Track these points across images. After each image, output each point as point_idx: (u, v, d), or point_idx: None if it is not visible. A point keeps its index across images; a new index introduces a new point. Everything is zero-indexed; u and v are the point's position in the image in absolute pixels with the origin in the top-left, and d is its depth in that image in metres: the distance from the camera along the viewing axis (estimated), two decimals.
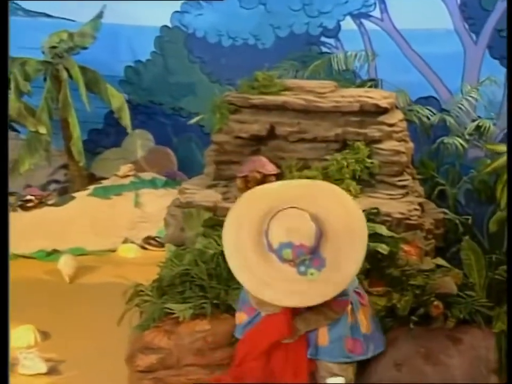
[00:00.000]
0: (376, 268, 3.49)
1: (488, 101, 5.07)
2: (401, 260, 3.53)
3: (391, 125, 4.11)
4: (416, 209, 3.89)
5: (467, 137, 4.85)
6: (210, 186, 4.20)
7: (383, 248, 3.49)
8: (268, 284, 2.70)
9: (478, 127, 4.83)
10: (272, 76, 4.26)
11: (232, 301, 3.40)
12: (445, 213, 4.30)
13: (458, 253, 3.70)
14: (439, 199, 4.61)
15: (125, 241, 5.54)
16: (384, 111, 4.12)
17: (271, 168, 4.02)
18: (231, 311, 3.36)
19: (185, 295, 3.47)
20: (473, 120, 4.97)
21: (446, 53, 5.42)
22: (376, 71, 5.51)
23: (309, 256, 2.73)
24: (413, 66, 5.51)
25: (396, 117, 4.23)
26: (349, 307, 2.99)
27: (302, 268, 2.73)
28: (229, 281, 3.46)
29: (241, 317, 3.06)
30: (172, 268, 3.65)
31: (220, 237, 3.46)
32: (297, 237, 2.70)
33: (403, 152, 4.07)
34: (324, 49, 5.68)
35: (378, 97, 4.16)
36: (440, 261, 3.58)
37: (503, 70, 5.09)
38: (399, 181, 4.04)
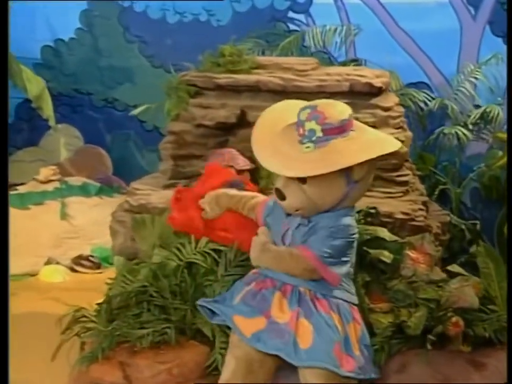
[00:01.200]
0: (377, 280, 3.42)
1: (495, 83, 5.02)
2: (408, 269, 3.47)
3: (386, 109, 4.06)
4: (421, 209, 3.85)
5: (470, 126, 4.78)
6: (167, 186, 4.08)
7: (386, 256, 3.43)
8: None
9: (484, 114, 4.76)
10: (242, 50, 4.20)
11: (201, 324, 3.30)
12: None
13: (465, 265, 3.69)
14: (440, 200, 4.55)
15: (49, 262, 5.30)
16: (378, 92, 4.07)
17: (243, 163, 3.93)
18: (200, 336, 3.28)
19: (142, 319, 3.36)
20: (478, 106, 4.90)
21: (439, 31, 5.42)
22: (355, 52, 5.44)
23: (320, 130, 2.79)
24: (399, 47, 5.50)
25: (391, 100, 4.18)
26: (336, 316, 2.92)
27: (305, 140, 2.82)
28: (196, 300, 3.31)
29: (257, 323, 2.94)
30: (124, 285, 3.51)
31: (184, 246, 3.46)
32: (326, 105, 2.85)
33: (402, 141, 3.94)
34: (292, 27, 5.62)
35: (370, 75, 4.11)
36: (456, 268, 3.53)
37: (490, 56, 5.10)
38: (398, 176, 3.99)
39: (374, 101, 4.05)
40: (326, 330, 2.86)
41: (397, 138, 3.89)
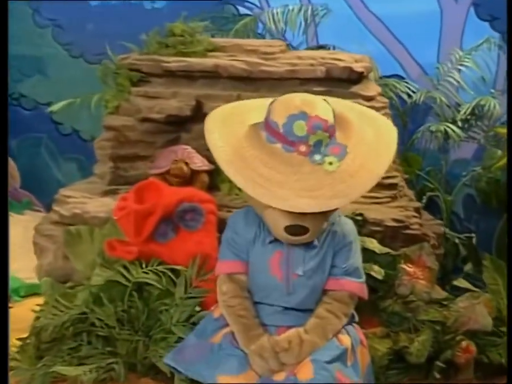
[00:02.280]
0: (367, 300, 3.25)
1: (488, 71, 5.00)
2: (404, 287, 3.44)
3: (369, 99, 4.01)
4: (414, 216, 3.79)
5: (459, 123, 4.72)
6: (106, 193, 3.99)
7: (377, 271, 3.40)
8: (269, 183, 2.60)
9: (476, 108, 4.71)
10: (195, 28, 4.12)
11: (156, 358, 3.23)
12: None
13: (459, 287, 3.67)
14: (427, 209, 4.46)
15: None
16: (358, 79, 4.04)
17: (201, 162, 3.84)
18: (154, 373, 3.25)
19: (81, 353, 3.30)
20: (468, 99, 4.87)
21: (416, 14, 5.33)
22: (317, 40, 5.38)
23: (327, 137, 2.64)
24: (370, 34, 5.43)
25: (373, 88, 4.16)
26: (348, 340, 2.79)
27: (317, 156, 2.62)
28: (149, 329, 3.33)
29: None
30: (57, 313, 3.41)
31: (134, 264, 3.40)
32: (312, 108, 2.63)
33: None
34: (243, 10, 5.51)
35: (348, 59, 4.07)
36: (462, 282, 3.56)
37: (496, 36, 5.06)
38: (385, 178, 3.82)
39: (354, 89, 4.01)
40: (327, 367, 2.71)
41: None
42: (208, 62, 4.01)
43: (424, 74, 5.22)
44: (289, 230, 2.63)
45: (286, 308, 2.76)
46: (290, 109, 2.64)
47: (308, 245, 2.73)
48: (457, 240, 4.41)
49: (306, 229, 2.63)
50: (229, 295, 2.79)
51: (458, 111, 4.80)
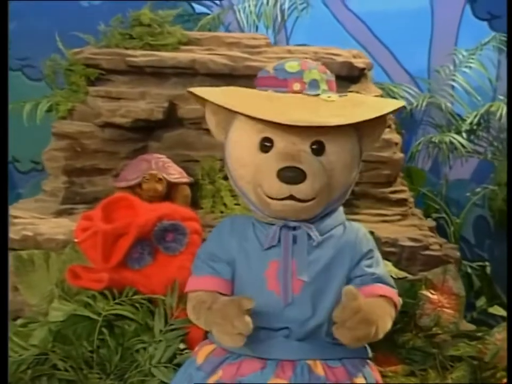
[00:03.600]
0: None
1: (496, 73, 5.09)
2: (427, 317, 3.45)
3: None
4: (431, 236, 3.84)
5: (464, 135, 4.79)
6: (59, 213, 3.98)
7: None
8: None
9: (483, 116, 4.79)
10: (166, 17, 4.16)
11: None
12: None
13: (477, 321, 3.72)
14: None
15: None
16: (358, 76, 4.13)
17: (179, 174, 3.86)
18: None
19: None
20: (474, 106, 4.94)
21: (402, 13, 5.44)
22: (287, 41, 5.44)
23: (324, 80, 2.64)
24: (349, 35, 5.52)
25: (373, 89, 4.26)
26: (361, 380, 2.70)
27: (313, 91, 2.62)
28: (124, 371, 3.23)
29: None
30: (10, 355, 3.33)
31: (103, 294, 3.34)
32: (307, 61, 2.68)
33: (396, 144, 4.03)
34: (200, 9, 5.54)
35: (346, 54, 4.14)
36: (498, 310, 3.60)
37: (488, 38, 5.17)
38: (393, 192, 4.01)
39: (354, 88, 4.06)
40: None
41: (389, 139, 4.04)
42: (183, 56, 4.03)
43: (410, 80, 5.29)
44: (283, 174, 2.56)
45: (289, 336, 2.71)
46: (281, 62, 2.67)
47: (310, 245, 2.64)
48: (469, 270, 4.43)
49: (303, 174, 2.56)
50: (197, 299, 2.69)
51: (463, 120, 4.87)
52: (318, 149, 2.58)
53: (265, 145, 2.58)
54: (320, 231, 2.64)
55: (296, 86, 2.61)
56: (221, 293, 2.63)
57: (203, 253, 2.75)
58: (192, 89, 2.66)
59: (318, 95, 2.61)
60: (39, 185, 4.25)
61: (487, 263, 4.58)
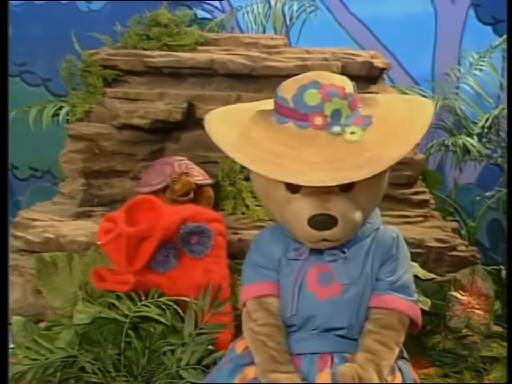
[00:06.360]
0: (411, 336, 3.22)
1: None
2: (458, 319, 3.44)
3: None
4: (456, 237, 3.83)
5: (475, 138, 4.78)
6: (77, 216, 3.95)
7: (422, 301, 3.36)
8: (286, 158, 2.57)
9: (495, 119, 4.79)
10: (184, 17, 4.16)
11: None
12: None
13: None
14: None
15: None
16: (377, 77, 4.12)
17: (201, 175, 3.83)
18: None
19: None
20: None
21: (406, 18, 5.44)
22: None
23: (346, 106, 2.62)
24: (353, 41, 5.51)
25: (390, 90, 4.23)
26: (399, 379, 2.75)
27: (336, 128, 2.59)
28: (151, 374, 3.26)
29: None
30: (38, 357, 3.36)
31: (129, 296, 3.34)
32: (326, 79, 2.64)
33: (416, 145, 3.94)
34: (201, 13, 5.59)
35: (365, 54, 4.14)
36: None
37: (499, 41, 5.18)
38: (414, 194, 4.00)
39: (373, 89, 4.04)
40: None
41: None
42: (202, 56, 4.01)
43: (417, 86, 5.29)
44: (314, 222, 2.58)
45: (325, 330, 2.71)
46: (300, 81, 2.64)
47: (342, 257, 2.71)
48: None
49: (334, 220, 2.58)
50: (259, 322, 2.75)
51: (475, 123, 4.86)
52: (347, 186, 2.58)
53: (292, 185, 2.58)
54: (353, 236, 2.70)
55: (318, 120, 2.59)
56: (270, 295, 2.74)
57: (248, 262, 2.85)
58: (209, 131, 2.68)
59: (341, 134, 2.57)
60: (38, 192, 4.24)
61: (502, 267, 4.56)
